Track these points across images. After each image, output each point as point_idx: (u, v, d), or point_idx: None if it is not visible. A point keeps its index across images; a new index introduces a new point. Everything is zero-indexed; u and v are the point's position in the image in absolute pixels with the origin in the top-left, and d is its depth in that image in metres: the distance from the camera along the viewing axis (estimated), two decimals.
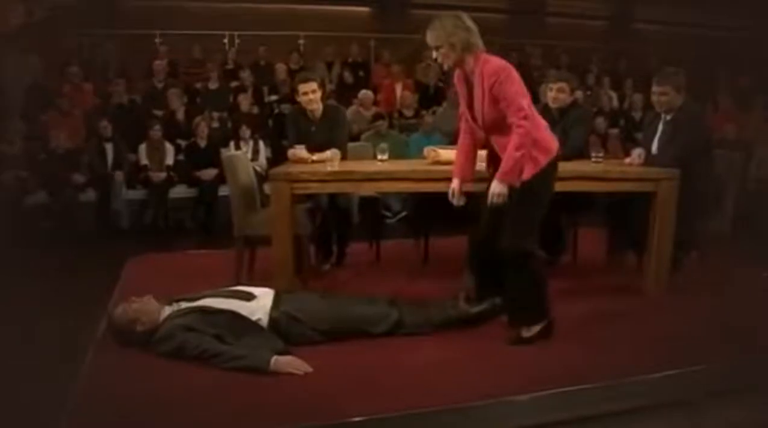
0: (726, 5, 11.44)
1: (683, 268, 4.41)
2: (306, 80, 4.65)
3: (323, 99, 4.74)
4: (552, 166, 3.29)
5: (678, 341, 3.43)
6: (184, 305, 3.34)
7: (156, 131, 7.56)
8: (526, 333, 3.39)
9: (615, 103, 10.05)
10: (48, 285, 4.81)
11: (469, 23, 3.23)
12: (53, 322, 3.89)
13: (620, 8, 13.23)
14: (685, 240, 4.26)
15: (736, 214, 4.54)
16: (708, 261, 4.52)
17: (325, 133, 4.69)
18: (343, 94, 9.23)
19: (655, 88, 4.35)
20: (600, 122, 8.49)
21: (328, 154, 4.38)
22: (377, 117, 7.43)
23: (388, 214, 7.24)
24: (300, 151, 4.57)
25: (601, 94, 9.91)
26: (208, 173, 7.33)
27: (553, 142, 3.32)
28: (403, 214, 7.15)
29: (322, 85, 4.72)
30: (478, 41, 3.23)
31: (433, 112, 8.58)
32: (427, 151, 4.36)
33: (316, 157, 4.49)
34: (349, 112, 7.83)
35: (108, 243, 6.55)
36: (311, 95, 4.60)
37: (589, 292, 4.23)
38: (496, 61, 3.20)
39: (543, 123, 3.35)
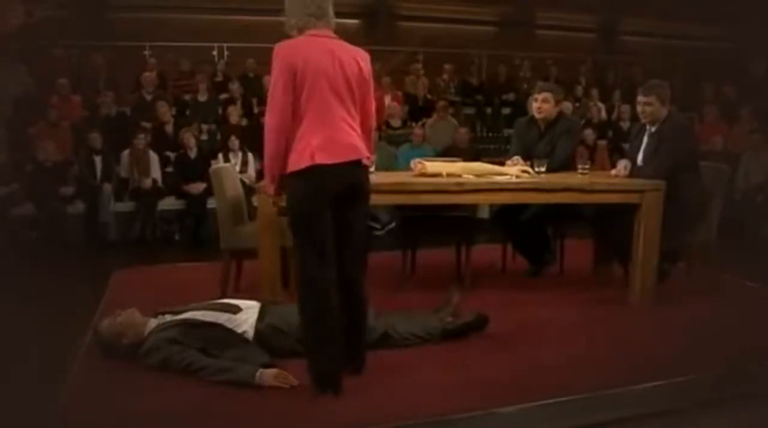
0: (711, 16, 11.56)
1: (670, 279, 4.43)
2: None
3: None
4: (304, 180, 2.75)
5: (665, 351, 3.44)
6: (169, 318, 3.32)
7: (140, 140, 7.47)
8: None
9: (603, 114, 10.11)
10: (33, 296, 4.76)
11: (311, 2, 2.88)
12: (38, 335, 3.84)
13: (608, 21, 13.36)
14: (672, 250, 4.28)
15: (723, 224, 4.56)
16: (695, 271, 4.53)
17: None
18: None
19: (640, 99, 4.38)
20: (589, 134, 8.54)
21: None
22: None
23: (376, 225, 7.23)
24: None
25: (590, 106, 9.97)
26: (196, 187, 7.30)
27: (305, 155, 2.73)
28: (392, 225, 7.14)
29: None
30: (305, 22, 2.95)
31: (423, 124, 8.61)
32: (414, 163, 4.37)
33: None
34: None
35: (96, 255, 6.50)
36: None
37: (575, 303, 4.24)
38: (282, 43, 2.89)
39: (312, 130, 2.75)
